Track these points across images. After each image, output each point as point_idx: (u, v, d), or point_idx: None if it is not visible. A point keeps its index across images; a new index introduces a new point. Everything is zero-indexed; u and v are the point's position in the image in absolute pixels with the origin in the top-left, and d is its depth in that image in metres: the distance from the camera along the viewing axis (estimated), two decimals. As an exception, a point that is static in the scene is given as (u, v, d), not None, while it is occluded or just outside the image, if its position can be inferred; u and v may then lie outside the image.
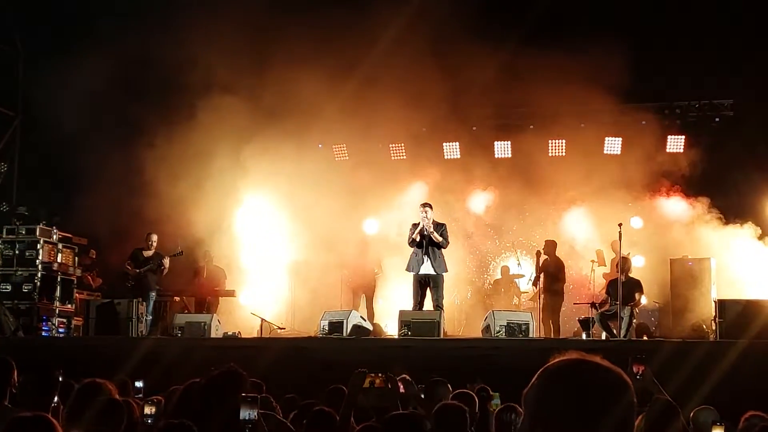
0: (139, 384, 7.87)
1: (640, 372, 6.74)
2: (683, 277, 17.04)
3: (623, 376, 2.32)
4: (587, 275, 18.42)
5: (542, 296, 17.24)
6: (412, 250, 15.87)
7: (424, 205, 16.13)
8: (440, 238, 15.73)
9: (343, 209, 18.98)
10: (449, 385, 8.17)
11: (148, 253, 17.33)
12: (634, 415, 2.31)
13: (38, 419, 4.26)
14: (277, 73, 18.04)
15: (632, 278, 16.37)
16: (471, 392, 7.84)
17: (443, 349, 14.39)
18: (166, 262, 17.25)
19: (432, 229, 15.63)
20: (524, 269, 19.75)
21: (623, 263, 16.02)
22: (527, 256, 20.01)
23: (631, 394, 2.30)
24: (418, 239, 15.64)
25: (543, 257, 17.63)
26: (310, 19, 17.82)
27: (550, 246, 17.47)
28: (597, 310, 16.42)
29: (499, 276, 20.34)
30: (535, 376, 2.36)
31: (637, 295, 16.21)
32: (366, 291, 18.13)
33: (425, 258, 15.69)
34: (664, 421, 5.60)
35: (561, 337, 16.65)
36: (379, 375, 4.85)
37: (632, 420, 2.29)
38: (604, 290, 16.78)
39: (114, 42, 18.05)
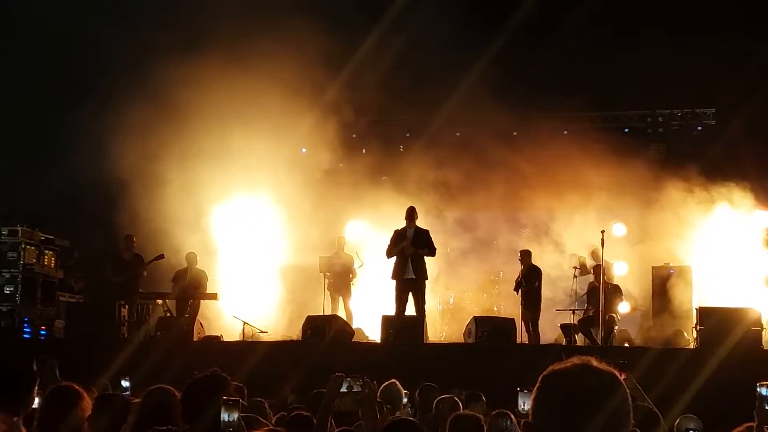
0: (125, 383, 7.82)
1: (623, 378, 6.70)
2: (664, 284, 17.12)
3: (615, 377, 2.37)
4: (570, 282, 18.48)
5: (521, 303, 17.19)
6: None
7: (410, 211, 16.19)
8: (426, 250, 15.89)
9: (326, 213, 19.01)
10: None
11: (128, 255, 17.26)
12: (628, 415, 2.35)
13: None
14: (261, 76, 18.02)
15: (612, 285, 16.46)
16: (456, 397, 7.88)
17: (425, 354, 14.42)
18: (144, 270, 17.26)
19: (412, 250, 15.77)
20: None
21: (604, 270, 16.11)
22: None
23: (622, 394, 2.35)
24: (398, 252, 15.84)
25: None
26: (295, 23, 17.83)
27: (525, 255, 17.40)
28: (579, 317, 16.52)
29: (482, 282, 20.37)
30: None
31: (617, 302, 16.30)
32: (342, 294, 18.13)
33: (408, 264, 15.76)
34: (645, 429, 5.64)
35: (542, 343, 16.65)
36: (357, 379, 4.87)
37: (625, 419, 2.33)
38: (585, 296, 16.87)
39: (91, 42, 17.99)
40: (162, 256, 17.42)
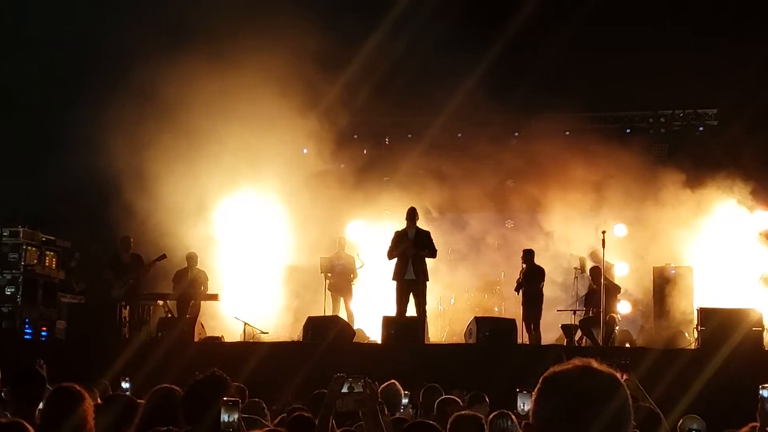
0: (125, 384, 7.84)
1: (624, 379, 6.70)
2: (665, 284, 17.11)
3: (615, 378, 2.36)
4: (570, 282, 18.50)
5: (522, 304, 17.06)
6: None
7: (411, 212, 16.18)
8: (427, 251, 15.88)
9: (326, 214, 19.00)
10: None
11: (126, 257, 17.23)
12: (628, 416, 2.34)
13: (14, 426, 4.23)
14: (262, 77, 18.02)
15: (612, 284, 16.45)
16: (457, 398, 7.89)
17: (426, 355, 14.42)
18: (146, 271, 17.31)
19: (413, 251, 15.75)
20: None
21: (605, 270, 16.11)
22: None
23: (623, 396, 2.34)
24: (399, 253, 15.81)
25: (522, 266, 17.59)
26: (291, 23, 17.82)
27: (528, 254, 17.28)
28: (580, 318, 16.52)
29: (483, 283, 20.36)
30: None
31: (615, 301, 16.30)
32: (343, 294, 18.11)
33: (409, 265, 15.76)
34: (646, 430, 5.62)
35: (543, 344, 16.60)
36: (359, 379, 4.86)
37: (625, 420, 2.33)
38: (585, 297, 16.88)
39: (86, 40, 17.97)
40: (164, 257, 17.39)
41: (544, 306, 17.02)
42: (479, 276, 20.35)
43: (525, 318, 16.59)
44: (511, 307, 18.79)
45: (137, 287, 17.24)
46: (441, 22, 18.17)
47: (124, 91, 17.76)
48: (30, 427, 4.31)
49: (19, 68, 18.78)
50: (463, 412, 6.43)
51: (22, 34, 18.51)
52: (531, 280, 16.70)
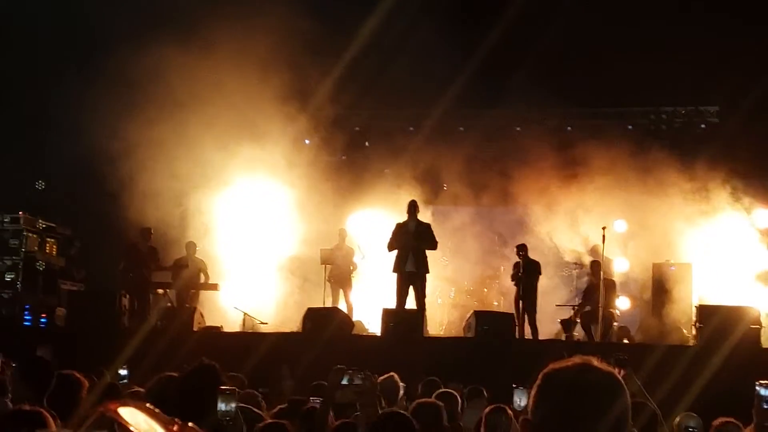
0: (123, 372, 7.86)
1: (622, 374, 6.73)
2: (665, 281, 17.11)
3: (615, 377, 2.36)
4: (570, 278, 18.51)
5: (521, 297, 16.96)
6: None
7: (412, 204, 16.17)
8: (427, 244, 15.87)
9: (328, 205, 19.00)
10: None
11: (144, 248, 17.25)
12: (627, 415, 2.34)
13: (35, 415, 4.26)
14: (262, 66, 17.99)
15: (609, 280, 16.46)
16: (454, 391, 7.91)
17: (425, 348, 14.43)
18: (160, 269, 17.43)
19: (414, 244, 15.75)
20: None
21: (603, 265, 16.12)
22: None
23: (622, 394, 2.34)
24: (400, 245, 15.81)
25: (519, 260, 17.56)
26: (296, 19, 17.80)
27: (522, 249, 17.16)
28: (578, 312, 16.52)
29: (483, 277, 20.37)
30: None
31: (613, 297, 16.31)
32: (343, 286, 18.11)
33: (409, 257, 15.77)
34: (644, 426, 5.64)
35: (541, 338, 16.58)
36: (358, 372, 4.88)
37: (624, 419, 2.33)
38: (583, 292, 16.89)
39: (87, 28, 17.94)
40: (186, 266, 17.47)
41: (543, 301, 17.01)
42: (478, 270, 20.37)
43: (523, 311, 16.53)
44: (509, 301, 18.79)
45: (148, 279, 17.27)
46: (442, 15, 18.16)
47: (123, 77, 17.74)
48: (49, 416, 4.33)
49: (13, 56, 18.76)
50: (422, 400, 6.48)
51: (17, 31, 18.51)
52: (529, 274, 16.64)
